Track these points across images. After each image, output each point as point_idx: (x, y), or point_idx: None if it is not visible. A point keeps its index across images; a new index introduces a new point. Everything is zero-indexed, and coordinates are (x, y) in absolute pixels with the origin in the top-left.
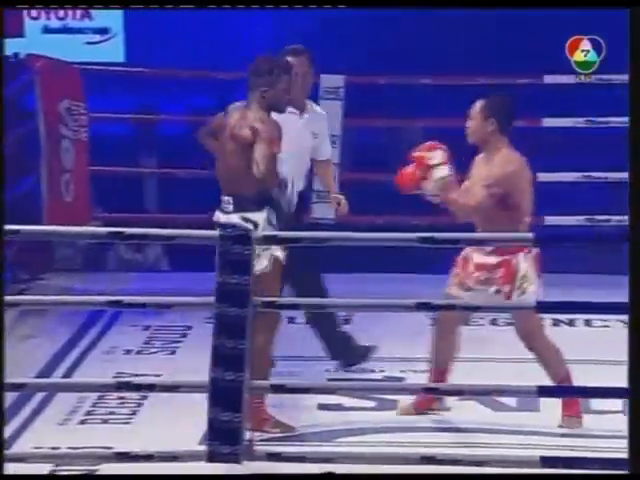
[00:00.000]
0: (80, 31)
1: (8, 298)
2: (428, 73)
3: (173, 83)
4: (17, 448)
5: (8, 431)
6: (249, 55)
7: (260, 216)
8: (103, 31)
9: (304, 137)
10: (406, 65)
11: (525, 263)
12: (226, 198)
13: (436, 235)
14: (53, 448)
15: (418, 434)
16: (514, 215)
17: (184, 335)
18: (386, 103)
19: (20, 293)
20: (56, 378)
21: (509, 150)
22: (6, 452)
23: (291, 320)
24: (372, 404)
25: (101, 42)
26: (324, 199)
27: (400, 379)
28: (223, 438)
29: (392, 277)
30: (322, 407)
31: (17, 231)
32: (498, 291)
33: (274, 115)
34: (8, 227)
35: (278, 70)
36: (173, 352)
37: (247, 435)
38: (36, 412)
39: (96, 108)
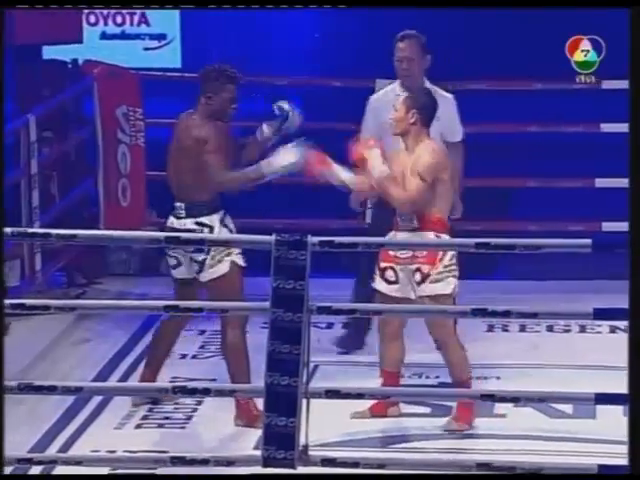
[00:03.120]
0: (137, 37)
1: (65, 302)
2: (482, 78)
3: None
4: (74, 451)
5: (65, 434)
6: (307, 60)
7: (214, 219)
8: (160, 37)
9: None
10: (459, 69)
11: (452, 252)
12: (178, 204)
13: (492, 241)
14: (110, 452)
15: (473, 441)
16: (437, 206)
17: None
18: None
19: (77, 297)
20: (112, 382)
21: (430, 141)
22: (63, 455)
23: (345, 326)
24: (427, 410)
25: (158, 48)
26: None
27: None
28: (278, 443)
29: None
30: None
31: (74, 235)
32: (418, 269)
33: (380, 97)
34: (66, 231)
35: (224, 78)
36: None
37: (302, 440)
38: (93, 416)
39: (153, 114)
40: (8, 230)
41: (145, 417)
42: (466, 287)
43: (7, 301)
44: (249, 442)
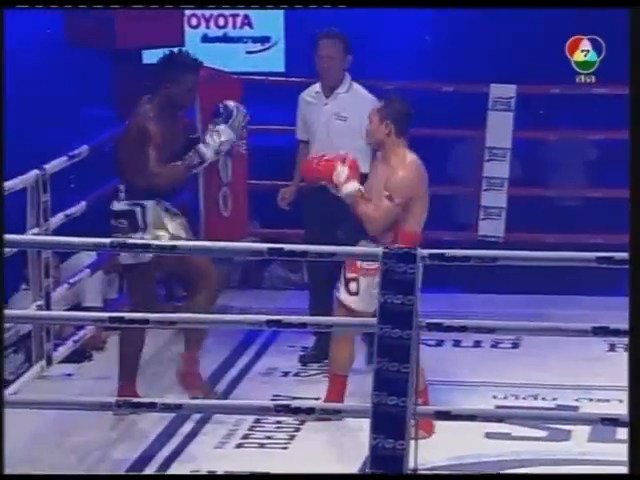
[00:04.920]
0: (240, 40)
1: (164, 316)
2: (604, 82)
3: None
4: (173, 470)
5: (165, 453)
6: (416, 64)
7: (148, 202)
8: (263, 40)
9: (327, 121)
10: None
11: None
12: (120, 186)
13: (616, 255)
14: (209, 472)
15: (592, 467)
16: (411, 222)
17: None
18: (558, 114)
19: (175, 310)
20: (212, 399)
21: (405, 153)
22: (160, 475)
23: (456, 343)
24: (543, 434)
25: (261, 51)
26: (492, 216)
27: (574, 408)
28: (386, 466)
29: (566, 299)
30: (489, 436)
31: (174, 247)
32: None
33: (304, 96)
34: (166, 243)
35: (184, 67)
36: None
37: (411, 463)
38: (192, 434)
39: (256, 120)
40: (107, 241)
41: (246, 436)
42: (587, 303)
43: (105, 314)
44: (354, 464)
